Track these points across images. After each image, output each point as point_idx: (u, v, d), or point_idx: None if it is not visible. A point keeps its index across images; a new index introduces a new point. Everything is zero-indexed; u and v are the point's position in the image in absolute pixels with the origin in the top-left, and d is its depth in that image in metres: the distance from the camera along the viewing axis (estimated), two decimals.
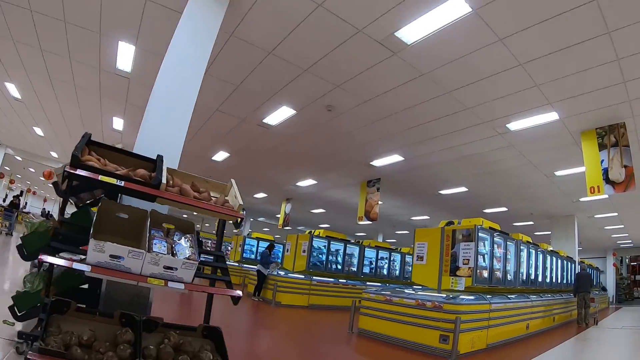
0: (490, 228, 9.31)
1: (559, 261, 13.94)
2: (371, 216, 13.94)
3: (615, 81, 6.64)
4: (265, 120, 10.34)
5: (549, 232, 17.03)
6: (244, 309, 10.74)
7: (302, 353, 6.56)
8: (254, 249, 20.62)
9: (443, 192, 14.81)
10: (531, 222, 18.08)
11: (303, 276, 13.38)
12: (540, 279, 12.00)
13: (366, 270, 15.77)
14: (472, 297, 8.06)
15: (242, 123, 10.81)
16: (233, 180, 3.95)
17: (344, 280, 14.35)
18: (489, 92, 7.52)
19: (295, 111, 9.47)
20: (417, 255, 9.59)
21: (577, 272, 14.84)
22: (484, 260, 9.01)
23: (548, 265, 12.79)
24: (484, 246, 9.13)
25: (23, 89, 11.42)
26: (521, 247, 10.65)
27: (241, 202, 3.67)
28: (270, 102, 9.20)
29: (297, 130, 10.77)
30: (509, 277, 9.94)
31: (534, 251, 11.58)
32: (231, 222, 3.82)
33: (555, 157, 10.25)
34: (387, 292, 8.88)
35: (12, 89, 11.66)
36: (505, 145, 9.92)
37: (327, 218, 25.81)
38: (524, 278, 10.85)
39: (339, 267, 14.81)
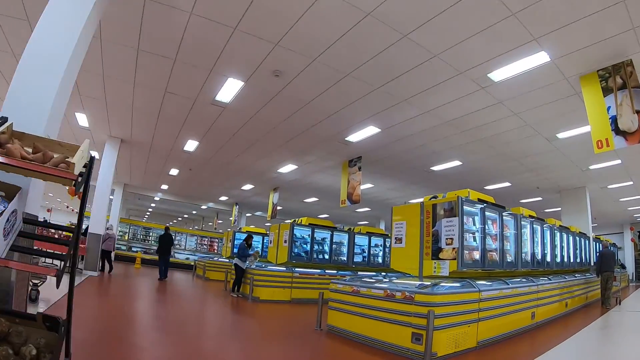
0: (479, 200, 7.74)
1: (571, 238, 12.22)
2: (354, 198, 12.45)
3: (614, 0, 5.10)
4: (217, 98, 9.36)
5: (560, 209, 15.29)
6: (215, 306, 10.28)
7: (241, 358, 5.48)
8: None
9: (435, 168, 13.18)
10: (539, 198, 16.28)
11: (284, 268, 12.13)
12: (549, 258, 10.34)
13: (358, 259, 14.16)
14: (455, 285, 6.56)
15: (196, 104, 9.91)
16: (87, 141, 3.27)
17: (334, 271, 12.87)
18: (455, 30, 5.99)
19: (242, 82, 8.41)
20: (395, 237, 8.06)
21: (599, 250, 13.35)
22: (475, 240, 7.48)
23: (558, 242, 11.10)
24: (473, 223, 7.60)
25: None
26: (522, 222, 9.04)
27: (86, 161, 3.04)
28: (215, 75, 8.25)
29: (253, 106, 9.68)
30: (508, 258, 8.35)
31: (539, 227, 9.93)
32: (65, 186, 3.10)
33: (555, 113, 8.60)
34: (355, 283, 7.43)
35: None
36: (492, 103, 8.32)
37: (325, 207, 24.30)
38: (529, 259, 9.22)
39: (326, 257, 13.34)
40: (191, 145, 13.71)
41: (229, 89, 8.83)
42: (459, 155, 11.80)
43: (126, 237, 23.79)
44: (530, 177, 13.35)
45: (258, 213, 27.80)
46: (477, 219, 7.63)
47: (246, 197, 23.31)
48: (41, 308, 6.48)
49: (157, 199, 27.09)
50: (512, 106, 8.41)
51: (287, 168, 15.58)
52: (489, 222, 8.15)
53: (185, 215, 39.92)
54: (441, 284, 6.41)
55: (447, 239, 7.04)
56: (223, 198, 25.30)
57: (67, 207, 35.70)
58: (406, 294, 6.01)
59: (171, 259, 22.86)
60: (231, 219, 25.89)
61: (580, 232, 13.02)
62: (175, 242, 23.95)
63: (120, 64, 8.08)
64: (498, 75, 7.20)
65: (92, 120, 12.38)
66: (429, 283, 6.53)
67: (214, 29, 6.53)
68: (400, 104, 8.80)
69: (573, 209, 14.44)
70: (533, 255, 9.37)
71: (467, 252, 7.17)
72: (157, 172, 19.14)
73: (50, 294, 7.22)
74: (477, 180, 13.91)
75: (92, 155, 3.25)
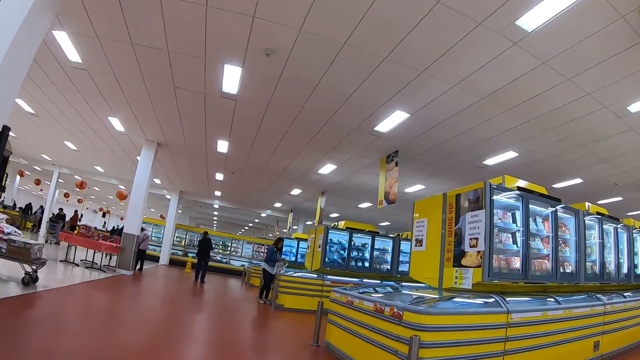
0: (519, 189, 5.77)
1: None
2: (390, 198, 10.67)
3: None
4: (225, 90, 8.59)
5: None
6: (229, 312, 9.50)
7: None
8: (295, 251, 18.16)
9: (488, 161, 10.96)
10: (619, 198, 13.21)
11: (315, 275, 10.81)
12: (625, 269, 7.87)
13: (404, 268, 12.35)
14: (467, 302, 4.80)
15: (208, 99, 9.25)
16: None
17: (376, 281, 11.15)
18: None
19: (240, 67, 7.54)
20: (416, 239, 6.32)
21: None
22: (515, 242, 5.56)
23: (638, 248, 8.55)
24: (513, 219, 5.67)
25: None
26: (587, 222, 6.83)
27: None
28: (211, 64, 7.58)
29: (262, 94, 8.64)
30: (568, 269, 6.26)
31: (612, 228, 7.60)
32: None
33: (618, 74, 6.33)
34: (352, 292, 5.79)
35: None
36: (534, 65, 6.29)
37: (384, 214, 22.38)
38: (597, 269, 6.97)
39: (366, 264, 11.65)
40: (223, 146, 13.07)
41: (231, 78, 7.97)
42: (512, 143, 9.59)
43: (183, 243, 23.47)
44: (605, 169, 10.67)
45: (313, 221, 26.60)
46: (518, 214, 5.66)
47: (298, 203, 22.24)
48: None
49: (216, 206, 26.83)
50: (561, 67, 6.31)
51: (327, 168, 14.15)
52: (538, 219, 6.12)
53: (250, 224, 39.67)
54: (445, 300, 4.65)
55: (471, 239, 5.21)
56: (277, 205, 24.36)
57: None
58: (395, 311, 4.31)
59: (226, 266, 22.61)
60: (288, 226, 24.83)
61: None
62: (232, 250, 23.37)
63: (122, 61, 7.87)
64: (529, 21, 5.26)
65: (125, 124, 12.33)
66: (435, 296, 4.87)
67: (188, 10, 5.91)
68: (420, 77, 7.04)
69: None
70: (602, 265, 7.04)
71: (500, 257, 5.30)
72: (203, 177, 18.75)
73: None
74: (540, 175, 11.46)
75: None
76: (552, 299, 5.57)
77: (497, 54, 6.17)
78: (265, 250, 25.36)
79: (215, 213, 32.92)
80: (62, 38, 7.30)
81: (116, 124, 12.39)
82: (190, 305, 9.67)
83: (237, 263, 23.51)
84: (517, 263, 5.43)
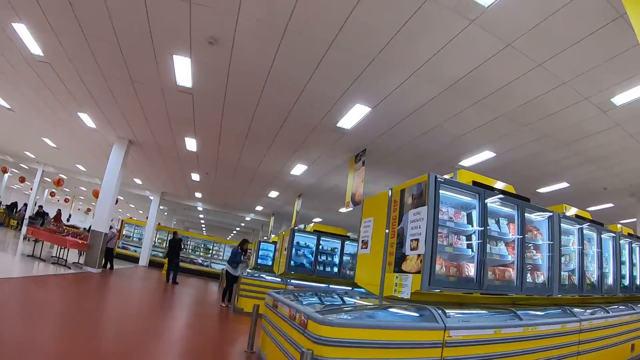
0: (475, 184, 4.84)
1: None
2: (356, 199, 9.77)
3: None
4: (179, 83, 8.08)
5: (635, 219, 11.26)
6: (183, 315, 8.86)
7: None
8: (272, 255, 17.17)
9: (465, 162, 9.97)
10: (610, 204, 12.20)
11: (279, 279, 10.12)
12: (611, 281, 6.90)
13: None
14: (403, 313, 3.90)
15: (165, 92, 8.75)
16: None
17: (346, 288, 10.21)
18: None
19: (188, 58, 7.04)
20: (362, 241, 5.42)
21: None
22: (469, 245, 4.62)
23: (627, 259, 7.52)
24: (465, 219, 4.76)
25: None
26: (564, 226, 5.86)
27: None
28: (161, 55, 7.12)
29: (215, 88, 8.09)
30: (539, 279, 5.31)
31: (595, 234, 6.61)
32: None
33: (598, 58, 5.47)
34: (279, 296, 4.94)
35: None
36: (499, 48, 5.48)
37: None
38: (576, 281, 5.96)
39: (335, 270, 10.71)
40: (191, 144, 12.45)
41: (182, 69, 7.48)
42: (488, 141, 8.65)
43: (164, 245, 22.63)
44: (591, 172, 9.69)
45: (302, 225, 25.69)
46: (475, 214, 4.74)
47: (279, 206, 21.45)
48: None
49: (200, 209, 26.01)
50: (529, 50, 5.44)
51: (299, 169, 13.34)
52: (503, 221, 5.19)
53: (238, 228, 38.81)
54: (381, 310, 3.77)
55: (412, 240, 4.30)
56: (259, 208, 23.59)
57: None
58: (302, 318, 3.48)
59: (207, 269, 21.72)
60: (269, 230, 23.96)
61: None
62: (214, 253, 22.53)
63: (79, 54, 7.52)
64: None
65: (95, 120, 11.89)
66: (368, 304, 4.38)
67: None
68: (374, 65, 6.27)
69: None
70: (582, 275, 6.06)
71: (451, 262, 4.39)
72: (180, 177, 18.12)
73: None
74: (522, 179, 10.50)
75: None
76: (512, 314, 4.61)
77: (454, 35, 5.32)
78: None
79: (201, 216, 32.14)
80: (22, 30, 7.03)
81: (87, 120, 11.94)
82: (144, 305, 9.10)
83: (219, 266, 22.64)
84: (471, 270, 4.50)
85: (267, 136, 10.37)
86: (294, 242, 10.22)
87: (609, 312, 6.03)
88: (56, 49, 7.45)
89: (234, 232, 42.59)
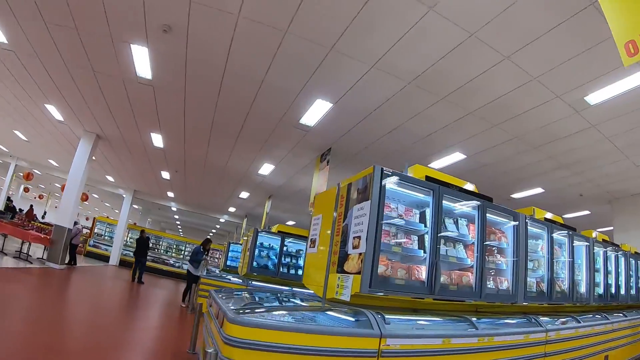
0: (429, 179, 4.38)
1: (622, 259, 7.92)
2: None
3: None
4: (140, 74, 7.71)
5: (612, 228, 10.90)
6: (142, 315, 8.25)
7: None
8: None
9: (435, 164, 9.52)
10: (586, 212, 11.87)
11: (241, 280, 9.67)
12: (583, 289, 6.43)
13: None
14: (339, 317, 3.44)
15: (127, 84, 8.34)
16: None
17: (307, 291, 9.73)
18: None
19: (145, 47, 6.68)
20: (310, 239, 4.92)
21: None
22: (421, 246, 4.12)
23: (602, 266, 7.04)
24: (418, 217, 4.29)
25: None
26: (532, 229, 5.39)
27: None
28: (119, 44, 6.75)
29: (174, 78, 7.66)
30: (503, 285, 4.85)
31: (567, 240, 6.13)
32: None
33: (567, 50, 5.07)
34: (214, 293, 4.50)
35: None
36: (461, 39, 5.08)
37: None
38: (544, 288, 5.48)
39: (300, 272, 10.20)
40: (157, 139, 11.93)
41: (141, 59, 7.14)
42: (456, 142, 8.24)
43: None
44: (566, 177, 9.31)
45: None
46: (429, 212, 4.27)
47: (251, 208, 20.96)
48: None
49: (174, 209, 25.35)
50: (494, 41, 5.06)
51: (266, 168, 12.90)
52: (462, 221, 4.72)
53: (214, 230, 38.14)
54: (318, 312, 3.30)
55: (354, 238, 3.82)
56: (232, 209, 23.06)
57: None
58: (222, 317, 3.00)
59: (179, 270, 21.06)
60: (242, 232, 23.39)
61: (636, 252, 8.64)
62: (186, 254, 21.87)
63: (41, 41, 7.16)
64: None
65: (62, 112, 11.43)
66: (307, 305, 4.09)
67: None
68: (332, 56, 5.91)
69: (628, 223, 10.00)
70: (551, 282, 5.59)
71: (397, 262, 3.93)
72: (151, 175, 17.58)
73: None
74: (496, 183, 10.12)
75: None
76: (468, 322, 4.13)
77: (412, 24, 4.92)
78: (219, 256, 23.78)
79: (176, 217, 31.45)
80: None
81: (54, 112, 11.48)
82: (99, 304, 8.54)
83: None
84: (422, 273, 4.04)
85: (231, 131, 9.88)
86: (257, 242, 9.70)
87: (580, 322, 5.57)
88: (19, 36, 7.11)
89: (210, 234, 41.90)
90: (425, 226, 4.16)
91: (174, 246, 22.70)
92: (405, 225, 4.09)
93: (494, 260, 4.89)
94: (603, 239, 7.18)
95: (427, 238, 4.12)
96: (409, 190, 4.17)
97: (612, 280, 7.26)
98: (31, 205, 21.68)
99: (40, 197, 33.89)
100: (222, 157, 12.36)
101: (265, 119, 8.64)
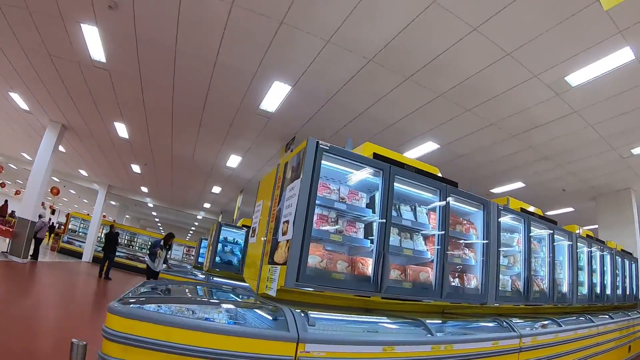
0: (377, 157, 3.71)
1: (608, 257, 7.27)
2: None
3: None
4: (94, 57, 7.17)
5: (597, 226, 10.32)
6: (89, 310, 7.84)
7: None
8: None
9: (410, 153, 8.95)
10: (570, 209, 11.28)
11: (203, 276, 8.94)
12: (565, 288, 5.76)
13: None
14: (260, 315, 2.83)
15: (83, 69, 7.79)
16: None
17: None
18: None
19: (95, 26, 6.20)
20: (252, 228, 4.29)
21: None
22: (368, 235, 3.48)
23: (585, 264, 6.41)
24: (365, 201, 3.62)
25: None
26: (506, 220, 4.71)
27: None
28: (69, 24, 6.24)
29: (128, 63, 7.17)
30: (471, 283, 4.19)
31: (547, 234, 5.46)
32: None
33: (543, 20, 4.47)
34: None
35: None
36: (423, 6, 4.48)
37: None
38: (521, 287, 4.77)
39: None
40: (122, 129, 11.36)
41: (93, 40, 6.65)
42: (428, 129, 7.61)
43: None
44: (548, 170, 8.72)
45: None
46: (378, 196, 3.61)
47: (225, 204, 20.33)
48: None
49: (150, 205, 24.59)
50: (460, 10, 4.45)
51: (233, 160, 12.29)
52: (421, 209, 4.09)
53: (193, 228, 37.39)
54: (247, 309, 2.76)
55: (283, 222, 3.19)
56: (207, 205, 22.39)
57: None
58: None
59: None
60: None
61: (622, 250, 8.02)
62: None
63: None
64: None
65: (27, 101, 10.80)
66: (236, 300, 3.56)
67: None
68: (283, 30, 5.36)
69: (613, 220, 9.43)
70: (528, 280, 4.85)
71: (336, 253, 3.33)
72: (122, 169, 16.90)
73: None
74: (474, 177, 9.53)
75: None
76: (422, 327, 3.47)
77: None
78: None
79: (154, 213, 30.69)
80: None
81: (19, 100, 10.88)
82: (49, 298, 8.07)
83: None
84: (368, 268, 3.39)
85: (192, 120, 9.29)
86: (221, 237, 9.08)
87: (561, 326, 4.91)
88: None
89: (190, 232, 41.14)
90: (374, 212, 3.51)
91: (149, 243, 21.90)
92: (348, 210, 3.46)
93: (460, 255, 4.26)
94: (587, 234, 6.57)
95: (375, 226, 3.48)
96: (355, 169, 3.54)
97: (597, 279, 6.65)
98: (6, 200, 20.87)
99: (18, 192, 32.83)
100: (187, 148, 11.74)
101: (224, 105, 8.06)
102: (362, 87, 6.35)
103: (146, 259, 9.90)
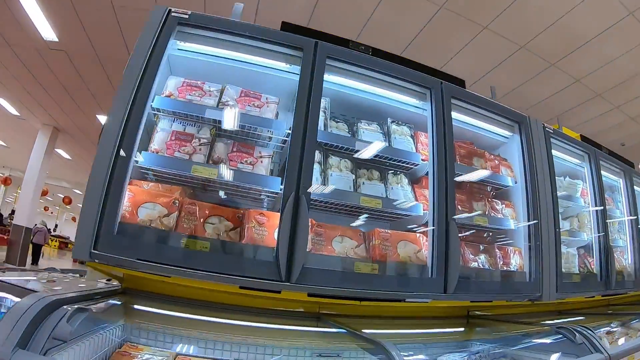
0: (289, 28, 1.91)
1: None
2: None
3: None
4: (45, 37, 6.58)
5: None
6: None
7: None
8: None
9: None
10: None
11: None
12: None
13: None
14: None
15: (42, 54, 7.21)
16: None
17: None
18: None
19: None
20: None
21: None
22: (281, 173, 1.72)
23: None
24: (269, 110, 1.96)
25: None
26: (557, 152, 2.64)
27: None
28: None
29: (81, 41, 6.54)
30: (509, 263, 2.26)
31: (622, 181, 3.39)
32: None
33: None
34: None
35: None
36: None
37: None
38: (597, 267, 2.71)
39: None
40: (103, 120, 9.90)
41: (38, 18, 6.06)
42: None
43: None
44: (597, 112, 6.34)
45: None
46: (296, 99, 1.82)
47: None
48: None
49: None
50: None
51: None
52: (401, 128, 2.36)
53: None
54: None
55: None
56: None
57: None
58: None
59: None
60: None
61: None
62: None
63: None
64: None
65: (13, 105, 10.37)
66: None
67: None
68: None
69: None
70: (607, 253, 2.77)
71: (196, 199, 1.61)
72: None
73: None
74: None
75: None
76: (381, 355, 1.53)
77: None
78: None
79: None
80: None
81: (7, 106, 10.54)
82: None
83: None
84: (273, 232, 1.61)
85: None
86: None
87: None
88: None
89: None
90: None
91: None
92: (240, 123, 1.74)
93: (486, 212, 2.38)
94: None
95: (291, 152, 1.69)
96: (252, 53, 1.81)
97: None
98: (12, 210, 20.54)
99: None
100: None
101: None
102: None
103: None
